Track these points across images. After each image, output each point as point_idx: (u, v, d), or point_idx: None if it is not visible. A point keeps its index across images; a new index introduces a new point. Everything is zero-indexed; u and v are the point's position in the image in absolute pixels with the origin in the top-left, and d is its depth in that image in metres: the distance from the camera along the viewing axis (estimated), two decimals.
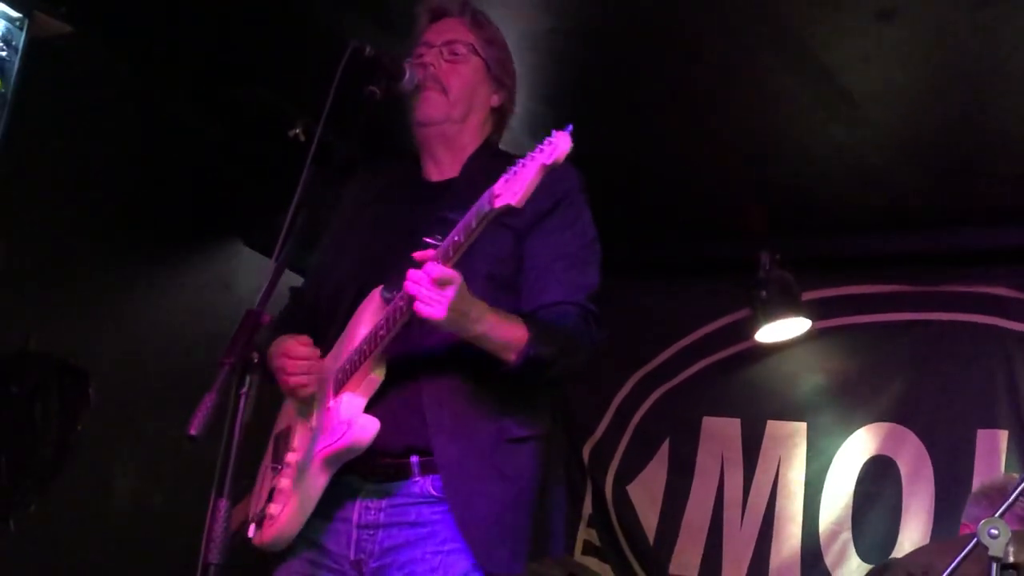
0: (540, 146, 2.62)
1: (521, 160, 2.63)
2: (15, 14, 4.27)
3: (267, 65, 5.33)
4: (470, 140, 3.27)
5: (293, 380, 3.04)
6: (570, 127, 2.64)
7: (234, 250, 5.92)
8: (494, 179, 2.68)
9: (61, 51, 4.62)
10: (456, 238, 2.71)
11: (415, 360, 2.97)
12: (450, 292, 2.70)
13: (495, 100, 3.33)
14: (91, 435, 4.95)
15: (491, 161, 3.14)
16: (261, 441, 3.17)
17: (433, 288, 2.69)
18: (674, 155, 5.71)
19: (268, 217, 5.41)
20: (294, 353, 3.03)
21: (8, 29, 4.24)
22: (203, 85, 5.52)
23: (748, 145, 5.51)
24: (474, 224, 2.68)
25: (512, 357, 2.86)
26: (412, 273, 2.73)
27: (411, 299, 2.74)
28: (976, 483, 5.54)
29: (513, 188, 2.61)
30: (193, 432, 2.42)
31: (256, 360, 2.58)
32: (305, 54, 4.94)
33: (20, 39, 4.27)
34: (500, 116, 3.36)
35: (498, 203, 2.62)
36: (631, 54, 4.89)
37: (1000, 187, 5.52)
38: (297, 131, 5.41)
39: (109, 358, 5.20)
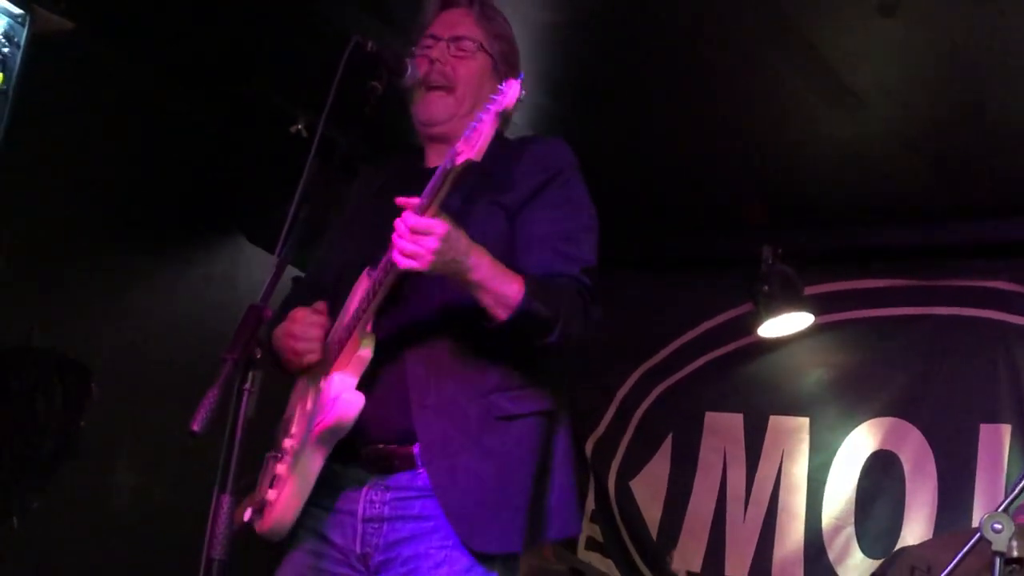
0: (493, 97, 2.61)
1: (478, 114, 2.62)
2: (17, 10, 4.26)
3: (269, 60, 5.33)
4: None
5: (300, 345, 3.02)
6: (521, 75, 2.63)
7: (236, 246, 5.92)
8: (490, 160, 2.67)
9: (63, 47, 4.61)
10: (423, 200, 2.70)
11: (402, 339, 2.95)
12: (431, 242, 2.67)
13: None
14: (93, 431, 4.95)
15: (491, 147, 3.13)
16: (264, 437, 3.17)
17: (411, 238, 2.68)
18: (675, 149, 5.71)
19: (270, 213, 5.44)
20: (301, 318, 3.01)
21: (10, 25, 4.23)
22: (205, 81, 5.52)
23: (750, 139, 5.51)
24: (440, 183, 2.67)
25: (503, 314, 2.82)
26: (395, 225, 2.71)
27: (393, 264, 2.74)
28: (979, 478, 5.55)
29: (472, 143, 2.60)
30: (195, 428, 2.42)
31: (259, 356, 2.58)
32: (307, 49, 4.93)
33: (22, 35, 4.26)
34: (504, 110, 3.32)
35: (460, 159, 2.62)
36: (633, 48, 4.89)
37: (1002, 181, 5.52)
38: (299, 127, 5.40)
39: (111, 353, 5.20)
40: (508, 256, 2.98)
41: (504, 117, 2.62)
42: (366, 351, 2.94)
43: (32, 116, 4.43)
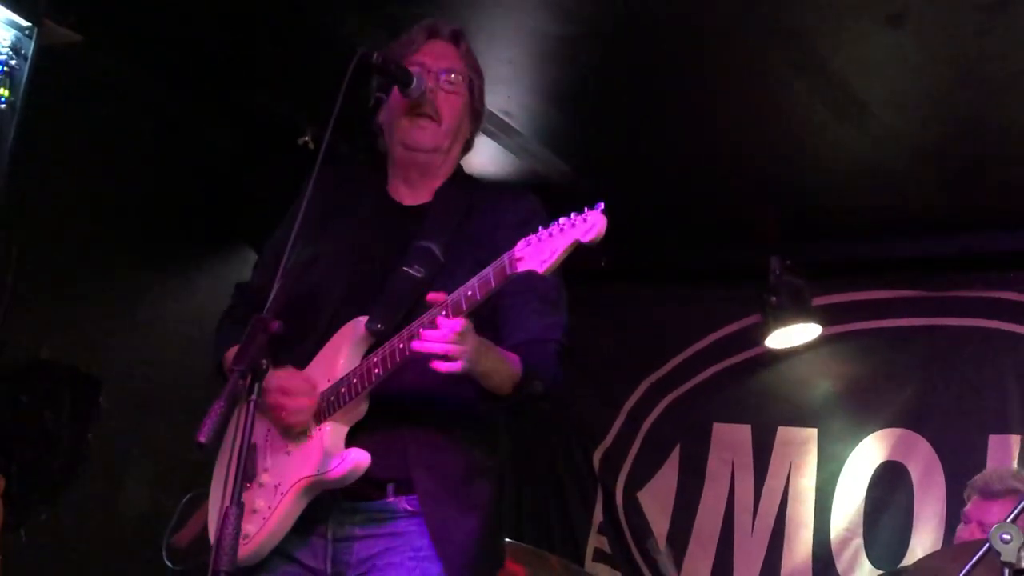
0: (570, 220, 2.62)
1: (547, 228, 2.64)
2: (24, 23, 4.27)
3: (276, 72, 5.34)
4: (446, 169, 3.27)
5: (293, 419, 3.02)
6: (601, 205, 2.62)
7: (243, 258, 5.91)
8: (467, 210, 2.87)
9: (70, 59, 4.62)
10: (471, 294, 2.73)
11: (400, 397, 2.99)
12: (470, 342, 2.74)
13: (469, 132, 3.34)
14: (102, 443, 4.95)
15: (463, 190, 3.24)
16: None
17: (456, 340, 2.72)
18: (684, 161, 5.71)
19: (278, 224, 5.44)
20: (295, 391, 3.01)
21: (17, 38, 4.24)
22: (212, 93, 5.53)
23: (758, 150, 5.50)
24: (493, 284, 2.70)
25: (507, 392, 2.94)
26: (431, 334, 2.74)
27: (424, 353, 2.78)
28: None
29: (541, 256, 2.62)
30: (202, 439, 2.43)
31: (265, 367, 2.59)
32: (315, 61, 4.94)
33: (29, 48, 4.27)
34: (468, 145, 3.37)
35: (520, 267, 2.64)
36: (642, 61, 4.89)
37: (1010, 191, 5.51)
38: (306, 139, 5.42)
39: (119, 366, 5.20)
40: (492, 314, 3.06)
41: (577, 248, 2.63)
42: (364, 408, 3.00)
43: (40, 129, 4.44)
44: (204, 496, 3.22)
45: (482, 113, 3.37)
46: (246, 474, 3.10)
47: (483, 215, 3.15)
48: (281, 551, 3.03)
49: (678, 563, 6.44)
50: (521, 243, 2.66)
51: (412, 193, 3.27)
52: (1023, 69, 4.59)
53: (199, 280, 5.84)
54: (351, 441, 2.98)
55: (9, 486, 4.54)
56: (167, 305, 5.65)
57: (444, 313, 2.74)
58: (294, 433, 3.04)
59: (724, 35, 4.65)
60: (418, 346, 2.76)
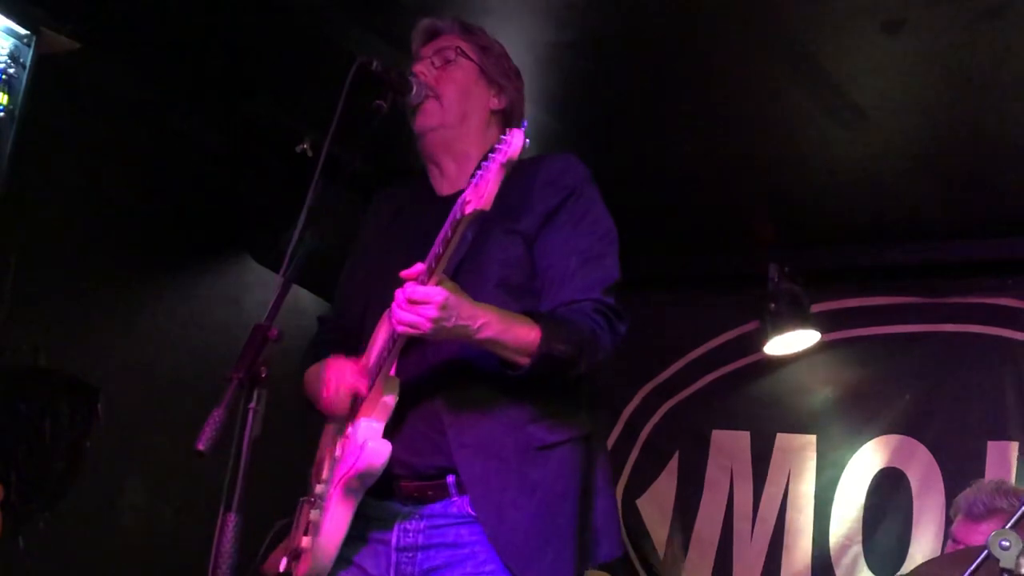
0: (497, 146, 2.59)
1: (484, 163, 2.60)
2: (23, 31, 4.28)
3: (275, 80, 5.35)
4: (473, 146, 3.20)
5: (328, 398, 3.01)
6: (524, 123, 2.62)
7: (242, 265, 5.92)
8: (505, 187, 2.64)
9: (69, 68, 4.63)
10: (436, 250, 2.69)
11: (430, 379, 2.95)
12: (429, 311, 2.67)
13: (495, 103, 3.27)
14: (100, 451, 4.95)
15: None
16: (271, 456, 3.16)
17: (409, 308, 2.69)
18: (682, 167, 5.71)
19: (276, 232, 5.45)
20: (334, 365, 3.00)
21: (16, 46, 4.25)
22: (211, 100, 5.53)
23: (756, 156, 5.51)
24: (450, 233, 2.65)
25: (525, 360, 2.82)
26: (395, 295, 2.73)
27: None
28: None
29: (480, 192, 2.57)
30: (201, 447, 2.42)
31: (264, 375, 2.58)
32: (313, 69, 4.95)
33: (28, 56, 4.28)
34: (506, 119, 3.27)
35: (468, 209, 2.59)
36: (638, 67, 4.90)
37: (1008, 198, 5.52)
38: (305, 146, 5.41)
39: (118, 373, 5.20)
40: (529, 282, 3.00)
41: (511, 166, 2.58)
42: (390, 397, 2.93)
43: (38, 136, 4.45)
44: (291, 524, 3.22)
45: (505, 83, 3.30)
46: (308, 490, 3.13)
47: (519, 185, 3.00)
48: (345, 557, 3.00)
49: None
50: (470, 186, 2.61)
51: (449, 181, 3.22)
52: (1020, 76, 4.59)
53: (198, 288, 5.84)
54: (396, 436, 2.92)
55: (7, 494, 4.53)
56: (166, 313, 5.64)
57: (420, 281, 2.70)
58: (338, 418, 3.04)
59: (722, 43, 4.66)
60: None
